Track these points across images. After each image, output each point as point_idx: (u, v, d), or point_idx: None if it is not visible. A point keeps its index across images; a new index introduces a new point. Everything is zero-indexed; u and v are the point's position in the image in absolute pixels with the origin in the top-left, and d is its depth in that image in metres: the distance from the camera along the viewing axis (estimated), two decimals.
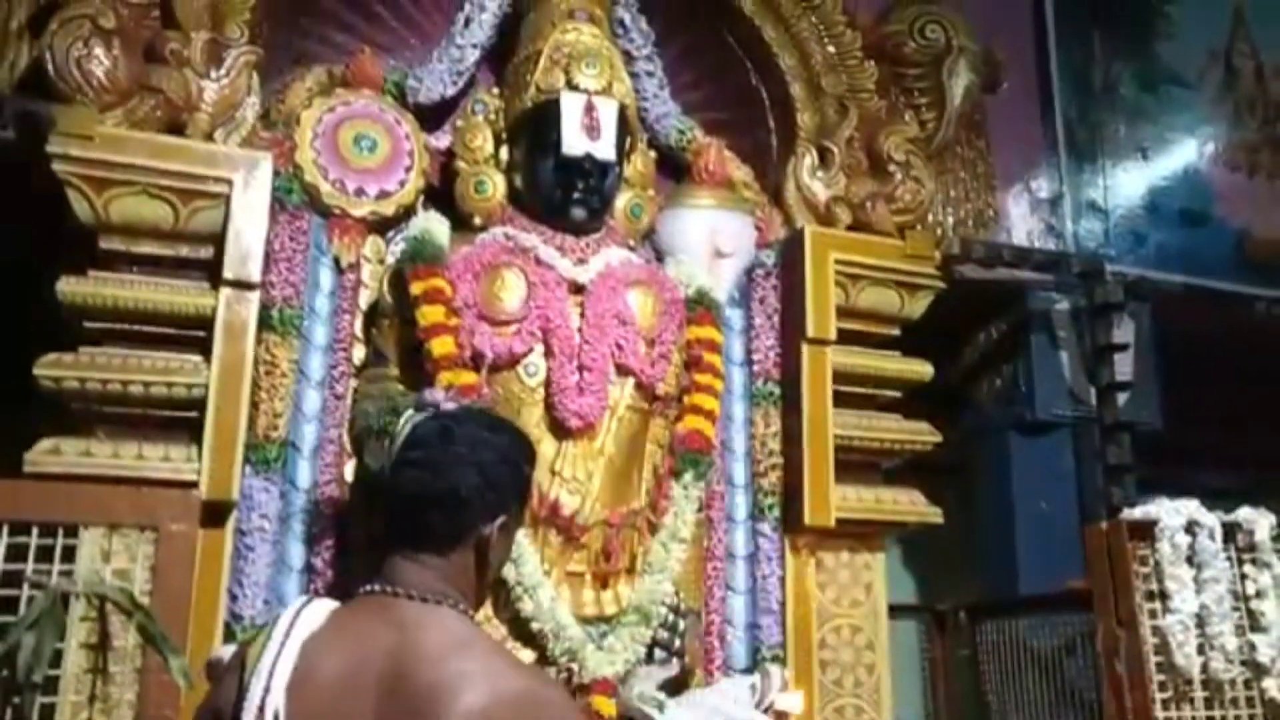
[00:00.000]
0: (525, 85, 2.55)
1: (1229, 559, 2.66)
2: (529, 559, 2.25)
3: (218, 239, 2.35)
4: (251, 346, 2.34)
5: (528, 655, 2.25)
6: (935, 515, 2.91)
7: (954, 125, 3.21)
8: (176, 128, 2.40)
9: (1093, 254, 3.63)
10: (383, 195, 2.57)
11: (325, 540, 2.41)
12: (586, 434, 2.37)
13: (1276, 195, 4.17)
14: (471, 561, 1.48)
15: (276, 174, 2.44)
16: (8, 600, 1.94)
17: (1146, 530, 2.63)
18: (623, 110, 2.55)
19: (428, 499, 1.46)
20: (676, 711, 2.30)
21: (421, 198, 2.65)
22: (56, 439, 2.21)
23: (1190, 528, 2.64)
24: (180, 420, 2.31)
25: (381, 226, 2.61)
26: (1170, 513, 2.64)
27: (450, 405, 1.70)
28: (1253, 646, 2.61)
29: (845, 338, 2.85)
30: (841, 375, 2.83)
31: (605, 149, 2.49)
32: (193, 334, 2.34)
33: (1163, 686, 2.53)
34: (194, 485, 2.23)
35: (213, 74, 2.44)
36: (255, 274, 2.36)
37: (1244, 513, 2.71)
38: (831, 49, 3.03)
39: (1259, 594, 2.65)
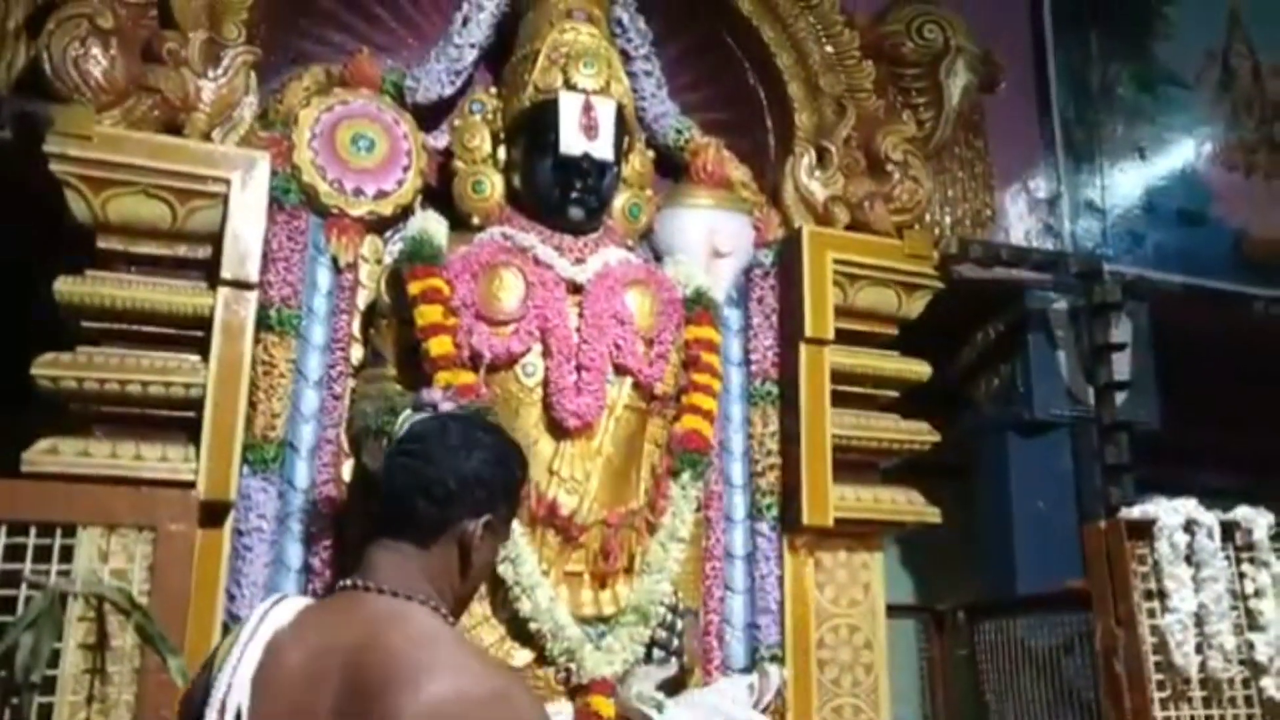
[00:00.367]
0: (523, 85, 2.55)
1: (1227, 558, 2.66)
2: (527, 559, 2.26)
3: (215, 239, 2.35)
4: (249, 346, 2.34)
5: (526, 655, 2.26)
6: (933, 515, 2.91)
7: (952, 125, 3.21)
8: (174, 127, 2.40)
9: (1090, 254, 3.63)
10: (380, 195, 2.57)
11: (323, 540, 2.41)
12: (584, 434, 2.37)
13: (1274, 195, 4.16)
14: (454, 559, 1.48)
15: (274, 174, 2.43)
16: (6, 600, 1.94)
17: (1145, 529, 2.63)
18: (621, 110, 2.55)
19: (416, 487, 1.47)
20: (675, 711, 2.30)
21: (419, 197, 2.65)
22: (54, 439, 2.20)
23: (1189, 527, 2.63)
24: (178, 420, 2.31)
25: (379, 226, 2.61)
26: (1169, 512, 2.64)
27: (448, 405, 1.70)
28: (1251, 645, 2.61)
29: (843, 337, 2.85)
30: (839, 375, 2.83)
31: (603, 149, 2.49)
32: (190, 334, 2.34)
33: (1161, 685, 2.53)
34: (192, 485, 2.23)
35: (210, 74, 2.44)
36: (253, 274, 2.36)
37: (1242, 512, 2.71)
38: (829, 49, 3.03)
39: (1257, 593, 2.65)
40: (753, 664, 2.67)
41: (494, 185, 2.61)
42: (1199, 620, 2.57)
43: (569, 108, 2.47)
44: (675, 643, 2.41)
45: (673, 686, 2.38)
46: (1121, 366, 3.27)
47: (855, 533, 2.85)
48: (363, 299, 2.56)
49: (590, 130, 2.47)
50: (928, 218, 3.18)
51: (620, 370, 2.44)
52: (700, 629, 2.60)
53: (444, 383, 2.20)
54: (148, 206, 2.31)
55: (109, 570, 2.02)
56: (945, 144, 3.26)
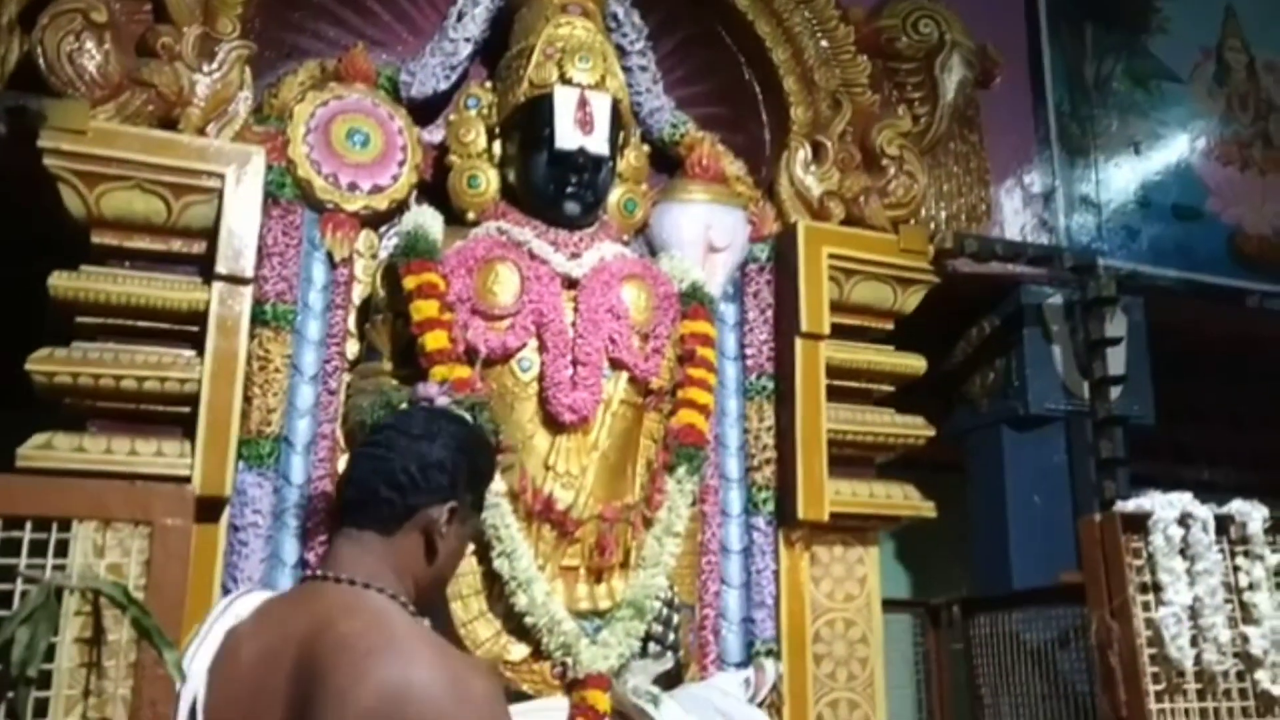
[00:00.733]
0: (518, 80, 2.54)
1: (1222, 551, 2.67)
2: (523, 553, 2.26)
3: (210, 234, 2.35)
4: (245, 341, 2.34)
5: (522, 649, 2.26)
6: (928, 509, 2.92)
7: (947, 120, 3.22)
8: (169, 122, 2.40)
9: (1085, 248, 3.64)
10: (376, 190, 2.57)
11: (319, 535, 2.40)
12: (580, 428, 2.38)
13: (1268, 190, 4.17)
14: (419, 547, 1.48)
15: (269, 168, 2.43)
16: (2, 595, 1.93)
17: (1140, 523, 2.64)
18: (616, 105, 2.55)
19: (378, 474, 1.47)
20: (671, 705, 2.29)
21: (414, 192, 2.65)
22: (49, 434, 2.20)
23: (1183, 520, 2.64)
24: (173, 415, 2.31)
25: (375, 221, 2.61)
26: (1163, 505, 2.64)
27: (444, 400, 1.71)
28: (1245, 639, 2.61)
29: (839, 332, 2.85)
30: (835, 370, 2.83)
31: (598, 143, 2.49)
32: (185, 329, 2.34)
33: (1156, 679, 2.53)
34: (187, 480, 2.23)
35: (205, 68, 2.44)
36: (248, 269, 2.36)
37: (1237, 505, 2.71)
38: (825, 43, 3.03)
39: (1252, 586, 2.66)
40: (748, 658, 2.68)
41: (489, 180, 2.60)
42: (1194, 613, 2.58)
43: (564, 102, 2.47)
44: (671, 637, 2.41)
45: (668, 681, 2.38)
46: (1116, 361, 3.28)
47: (851, 527, 2.85)
48: (358, 294, 2.56)
49: (585, 125, 2.47)
50: (923, 212, 3.18)
51: (616, 365, 2.44)
52: (696, 623, 2.60)
53: (439, 377, 2.21)
54: (142, 201, 2.31)
55: (105, 565, 2.02)
56: (940, 139, 3.26)
